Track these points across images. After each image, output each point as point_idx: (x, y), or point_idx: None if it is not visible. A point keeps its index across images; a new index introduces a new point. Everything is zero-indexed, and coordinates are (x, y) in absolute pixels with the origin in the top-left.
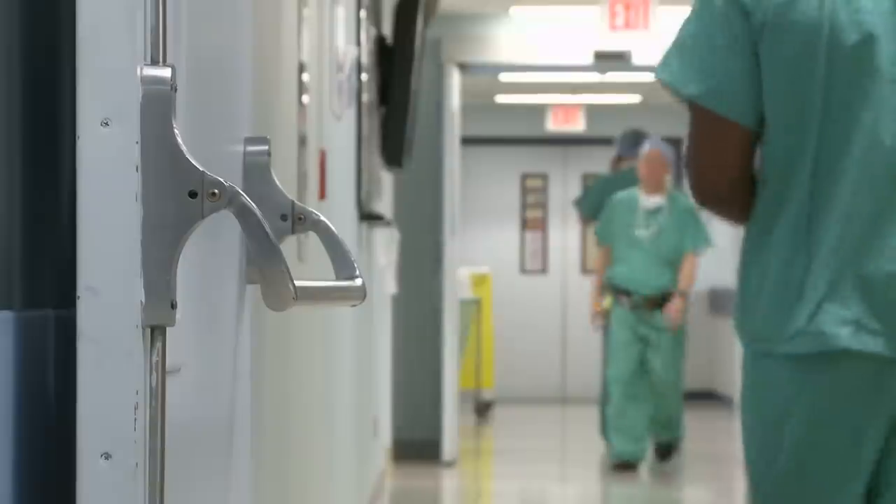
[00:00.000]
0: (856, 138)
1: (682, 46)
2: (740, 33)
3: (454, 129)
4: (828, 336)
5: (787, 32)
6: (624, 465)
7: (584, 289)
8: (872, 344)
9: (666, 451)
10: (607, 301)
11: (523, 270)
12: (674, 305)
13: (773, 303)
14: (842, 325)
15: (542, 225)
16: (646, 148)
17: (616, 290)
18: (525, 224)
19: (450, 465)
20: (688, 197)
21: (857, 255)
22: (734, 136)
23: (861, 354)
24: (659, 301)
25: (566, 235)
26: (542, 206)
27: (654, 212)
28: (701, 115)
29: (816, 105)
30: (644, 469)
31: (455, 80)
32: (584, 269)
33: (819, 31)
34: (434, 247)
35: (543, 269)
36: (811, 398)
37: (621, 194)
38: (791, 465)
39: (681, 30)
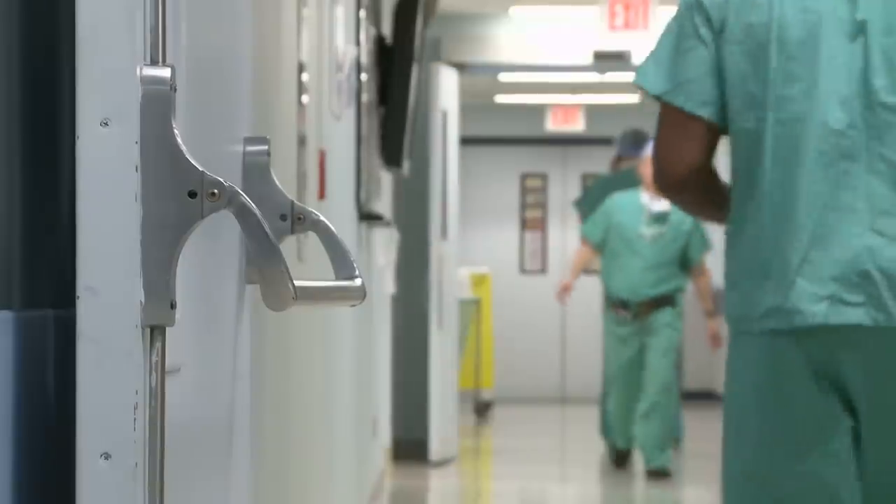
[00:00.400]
0: (807, 126)
1: (655, 53)
2: (704, 37)
3: (446, 129)
4: (805, 314)
5: (744, 34)
6: (623, 456)
7: (583, 289)
8: (854, 316)
9: (660, 474)
10: (604, 308)
11: (523, 270)
12: (711, 331)
13: (748, 284)
14: (817, 302)
15: (541, 225)
16: (651, 148)
17: (613, 301)
18: (524, 224)
19: (439, 465)
20: None
21: (823, 234)
22: (694, 128)
23: (839, 328)
24: (656, 305)
25: (566, 235)
26: (542, 206)
27: (661, 216)
28: (667, 111)
29: (770, 99)
30: (643, 468)
31: (443, 79)
32: (584, 270)
33: (769, 30)
34: (422, 247)
35: (543, 269)
36: (785, 373)
37: (622, 195)
38: (767, 437)
39: (657, 40)
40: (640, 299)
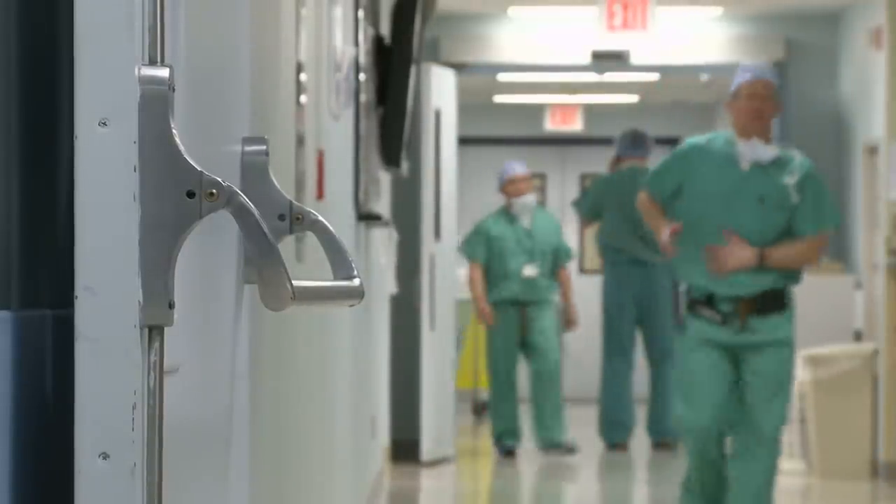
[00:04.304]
0: None
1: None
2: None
3: (439, 128)
4: None
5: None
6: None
7: (582, 289)
8: None
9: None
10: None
11: None
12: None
13: None
14: None
15: None
16: (746, 78)
17: (695, 299)
18: None
19: (432, 465)
20: (807, 158)
21: None
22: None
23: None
24: (760, 303)
25: (565, 235)
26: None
27: (767, 167)
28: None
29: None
30: (643, 468)
31: (435, 78)
32: (582, 270)
33: None
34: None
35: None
36: None
37: (700, 138)
38: None
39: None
40: (740, 294)
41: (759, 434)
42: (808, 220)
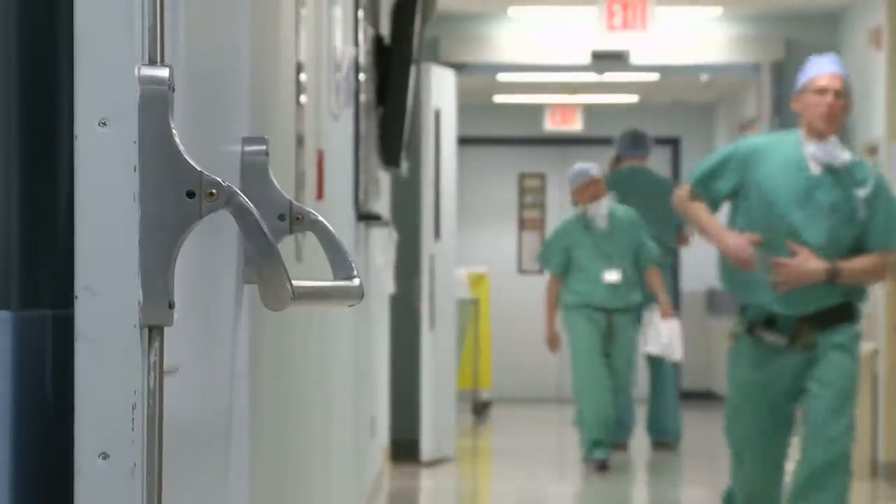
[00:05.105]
0: None
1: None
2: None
3: (439, 128)
4: None
5: None
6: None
7: None
8: None
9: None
10: (737, 329)
11: (521, 271)
12: None
13: None
14: None
15: (539, 225)
16: (815, 71)
17: (753, 319)
18: (523, 224)
19: (432, 465)
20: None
21: None
22: None
23: None
24: (823, 319)
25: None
26: (540, 206)
27: (839, 173)
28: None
29: None
30: (643, 468)
31: (435, 78)
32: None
33: None
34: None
35: (540, 269)
36: None
37: (762, 137)
38: None
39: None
40: (804, 312)
41: (829, 453)
42: (880, 234)
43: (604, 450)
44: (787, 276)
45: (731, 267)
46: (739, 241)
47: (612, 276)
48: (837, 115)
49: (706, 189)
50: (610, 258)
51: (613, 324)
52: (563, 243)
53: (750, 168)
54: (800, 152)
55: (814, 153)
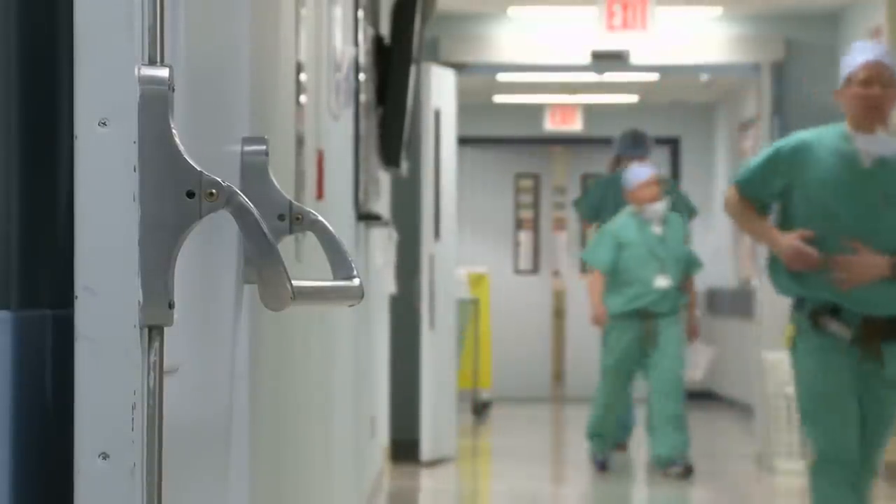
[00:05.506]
0: None
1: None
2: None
3: (439, 128)
4: None
5: None
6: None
7: (582, 289)
8: None
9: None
10: (796, 322)
11: (519, 271)
12: None
13: None
14: None
15: (538, 225)
16: (860, 60)
17: (817, 310)
18: (522, 224)
19: (431, 465)
20: None
21: None
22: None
23: None
24: (892, 330)
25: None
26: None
27: (891, 164)
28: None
29: None
30: (643, 468)
31: (435, 78)
32: (583, 270)
33: None
34: (414, 247)
35: (535, 270)
36: None
37: (807, 133)
38: None
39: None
40: (872, 312)
41: (869, 475)
42: None
43: (604, 449)
44: (850, 273)
45: (783, 264)
46: (794, 243)
47: (663, 281)
48: (883, 107)
49: (754, 191)
50: (663, 263)
51: (655, 329)
52: (617, 240)
53: (797, 166)
54: (848, 146)
55: (864, 146)
